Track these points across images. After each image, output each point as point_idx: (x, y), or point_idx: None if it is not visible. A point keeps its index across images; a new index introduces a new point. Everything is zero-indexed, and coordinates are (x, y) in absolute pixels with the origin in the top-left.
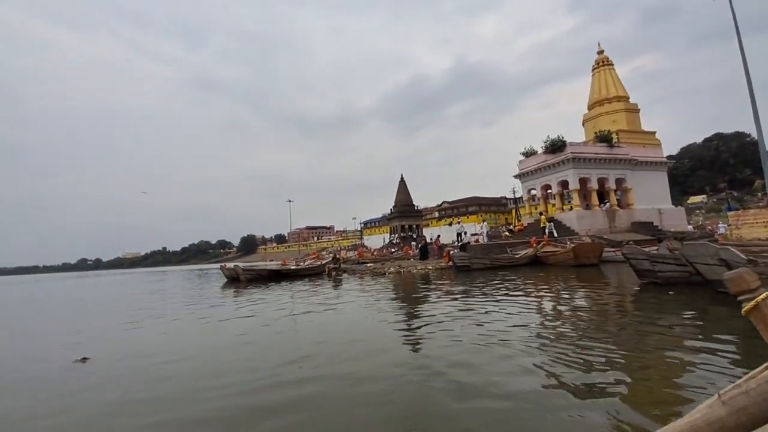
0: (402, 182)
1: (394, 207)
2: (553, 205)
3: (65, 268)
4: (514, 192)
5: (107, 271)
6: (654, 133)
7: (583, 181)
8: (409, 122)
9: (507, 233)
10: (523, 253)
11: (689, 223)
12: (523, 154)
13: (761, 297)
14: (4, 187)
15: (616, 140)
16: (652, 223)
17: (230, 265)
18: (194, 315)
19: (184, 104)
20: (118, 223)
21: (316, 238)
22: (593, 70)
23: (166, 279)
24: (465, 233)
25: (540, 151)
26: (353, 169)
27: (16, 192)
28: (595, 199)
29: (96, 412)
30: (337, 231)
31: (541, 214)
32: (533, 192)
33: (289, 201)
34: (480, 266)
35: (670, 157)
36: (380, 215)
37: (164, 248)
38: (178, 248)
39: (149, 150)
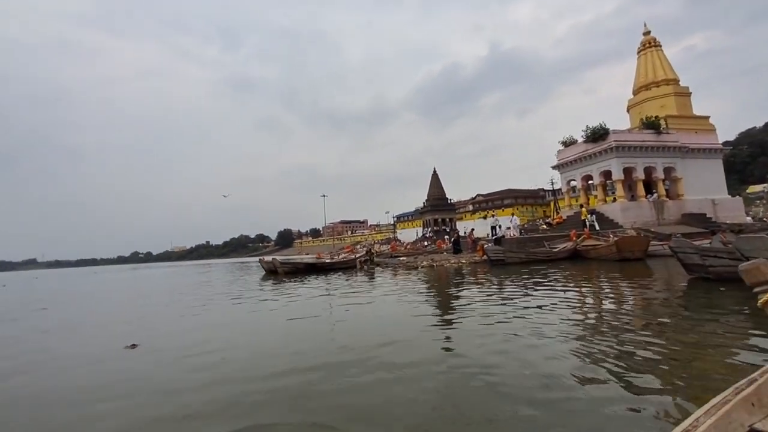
0: (435, 175)
1: (426, 200)
2: (595, 196)
3: (120, 260)
4: (552, 183)
5: (157, 264)
6: (707, 117)
7: (628, 171)
8: (443, 114)
9: (545, 226)
10: (561, 246)
11: (748, 215)
12: (562, 143)
13: None
14: (66, 186)
15: (665, 126)
16: (705, 214)
17: (268, 258)
18: (237, 304)
19: (222, 104)
20: (166, 218)
21: (350, 232)
22: (639, 52)
23: (211, 271)
24: (500, 227)
25: (580, 140)
26: (386, 163)
27: (75, 191)
28: (641, 190)
29: (134, 391)
30: (370, 225)
31: (581, 206)
32: (573, 183)
33: (323, 196)
34: (515, 260)
35: (726, 143)
36: (413, 209)
37: (208, 242)
38: (220, 242)
39: (192, 149)
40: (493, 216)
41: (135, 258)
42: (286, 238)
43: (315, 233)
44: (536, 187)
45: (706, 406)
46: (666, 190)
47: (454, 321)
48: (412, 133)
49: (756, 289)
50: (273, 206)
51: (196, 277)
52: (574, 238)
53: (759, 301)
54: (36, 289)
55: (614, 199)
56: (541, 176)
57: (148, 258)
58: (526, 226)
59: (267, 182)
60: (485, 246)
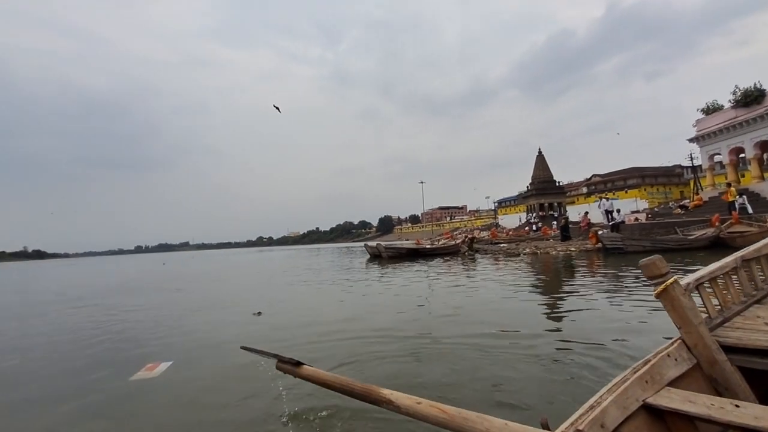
0: (540, 156)
1: (531, 184)
2: (748, 173)
3: (248, 244)
4: (691, 159)
5: (278, 247)
6: None
7: None
8: (548, 88)
9: (679, 210)
10: (700, 233)
11: None
12: (703, 111)
13: (669, 281)
14: (206, 180)
15: None
16: None
17: (372, 243)
18: (349, 283)
19: (326, 99)
20: (282, 206)
21: (448, 218)
22: None
23: (321, 254)
24: (617, 211)
25: (727, 105)
26: (485, 145)
27: (214, 185)
28: None
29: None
30: (469, 211)
31: (729, 185)
32: (717, 158)
33: (421, 182)
34: (637, 249)
35: None
36: (516, 193)
37: (317, 228)
38: (328, 228)
39: (301, 142)
40: (606, 199)
41: (260, 242)
42: (387, 225)
43: (414, 219)
44: (670, 164)
45: (609, 385)
46: None
47: (562, 310)
48: (513, 113)
49: (652, 282)
50: (374, 194)
51: (309, 259)
52: (717, 224)
53: (654, 292)
54: (191, 266)
55: None
56: (673, 151)
57: (270, 242)
58: (656, 209)
59: (368, 170)
60: (599, 233)
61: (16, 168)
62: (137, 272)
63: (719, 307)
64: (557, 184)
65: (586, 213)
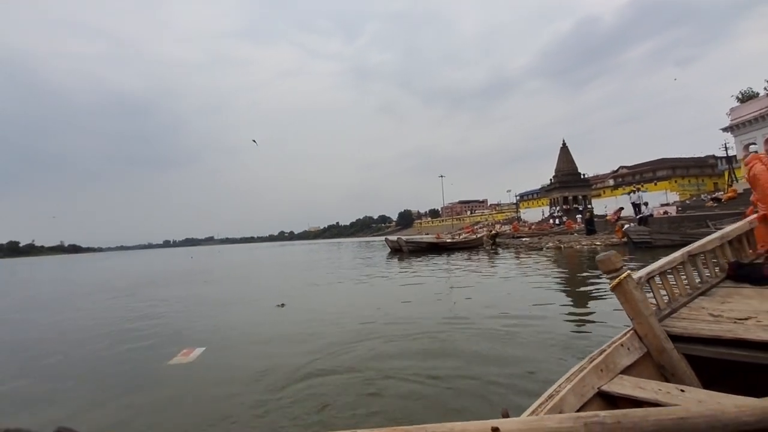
0: (564, 148)
1: (554, 176)
2: None
3: (270, 238)
4: (725, 149)
5: (299, 242)
6: None
7: None
8: (572, 78)
9: (712, 202)
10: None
11: None
12: (738, 98)
13: (623, 275)
14: (229, 176)
15: None
16: None
17: (393, 237)
18: (370, 277)
19: (346, 94)
20: (302, 201)
21: (469, 212)
22: None
23: (341, 249)
24: (645, 204)
25: (763, 93)
26: (507, 138)
27: (236, 181)
28: None
29: (284, 332)
30: (490, 204)
31: None
32: (753, 147)
33: (441, 176)
34: (666, 243)
35: None
36: (538, 186)
37: (338, 223)
38: (348, 223)
39: (321, 137)
40: (635, 191)
41: (281, 237)
42: (407, 219)
43: (434, 214)
44: (703, 154)
45: (567, 374)
46: None
47: (587, 309)
48: (535, 104)
49: (607, 276)
50: (393, 188)
51: (330, 253)
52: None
53: (610, 286)
54: (218, 259)
55: None
56: (706, 142)
57: (291, 237)
58: (687, 202)
59: (387, 165)
60: (625, 226)
61: (50, 166)
62: (167, 265)
63: (668, 299)
64: (582, 176)
65: (621, 208)
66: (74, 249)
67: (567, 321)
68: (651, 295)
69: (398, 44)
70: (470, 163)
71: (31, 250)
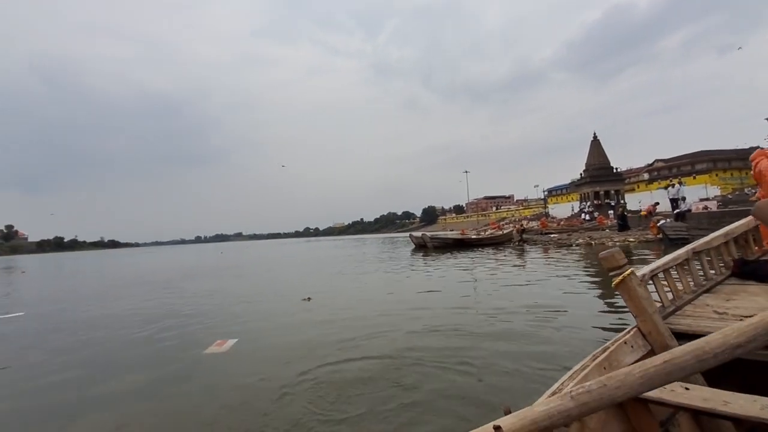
0: (595, 141)
1: (584, 171)
2: None
3: (296, 234)
4: None
5: (324, 238)
6: None
7: None
8: (601, 68)
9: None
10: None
11: None
12: None
13: (627, 273)
14: (256, 173)
15: None
16: None
17: (417, 233)
18: (395, 272)
19: (369, 90)
20: (327, 197)
21: (494, 208)
22: None
23: (366, 245)
24: (683, 199)
25: None
26: (533, 132)
27: (264, 177)
28: None
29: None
30: (517, 200)
31: None
32: None
33: (466, 172)
34: None
35: None
36: (568, 181)
37: (362, 219)
38: (372, 219)
39: (345, 134)
40: (673, 185)
41: (307, 233)
42: (431, 215)
43: (458, 210)
44: (746, 146)
45: (570, 372)
46: None
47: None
48: (562, 96)
49: (611, 273)
50: (417, 184)
51: (355, 249)
52: None
53: (613, 284)
54: (246, 254)
55: None
56: (749, 132)
57: (317, 233)
58: (729, 196)
59: (411, 161)
60: (660, 222)
61: (90, 166)
62: (199, 260)
63: (672, 296)
64: (615, 170)
65: (657, 203)
66: (113, 244)
67: (596, 316)
68: (655, 292)
69: (418, 40)
70: (495, 157)
71: (75, 245)
